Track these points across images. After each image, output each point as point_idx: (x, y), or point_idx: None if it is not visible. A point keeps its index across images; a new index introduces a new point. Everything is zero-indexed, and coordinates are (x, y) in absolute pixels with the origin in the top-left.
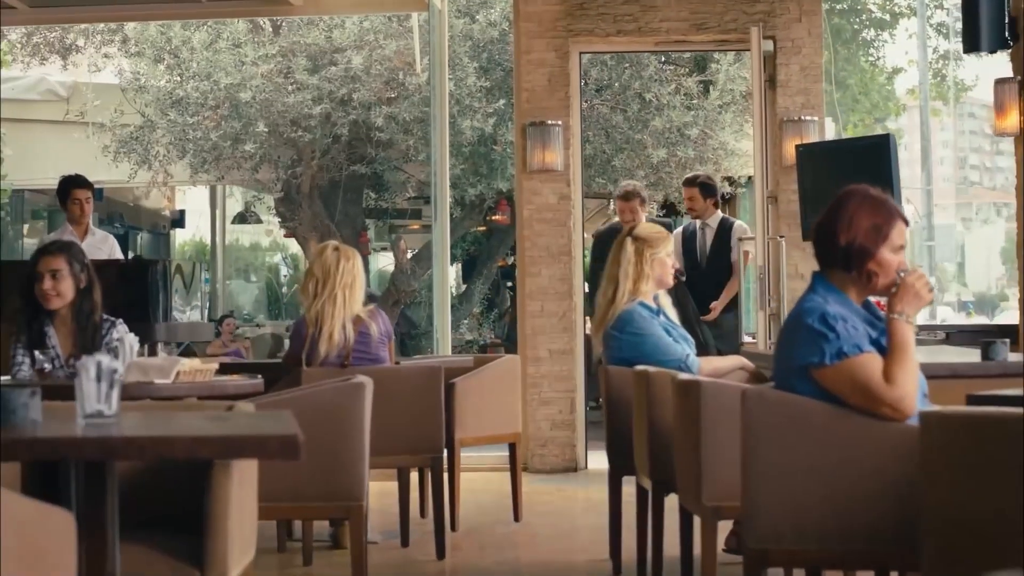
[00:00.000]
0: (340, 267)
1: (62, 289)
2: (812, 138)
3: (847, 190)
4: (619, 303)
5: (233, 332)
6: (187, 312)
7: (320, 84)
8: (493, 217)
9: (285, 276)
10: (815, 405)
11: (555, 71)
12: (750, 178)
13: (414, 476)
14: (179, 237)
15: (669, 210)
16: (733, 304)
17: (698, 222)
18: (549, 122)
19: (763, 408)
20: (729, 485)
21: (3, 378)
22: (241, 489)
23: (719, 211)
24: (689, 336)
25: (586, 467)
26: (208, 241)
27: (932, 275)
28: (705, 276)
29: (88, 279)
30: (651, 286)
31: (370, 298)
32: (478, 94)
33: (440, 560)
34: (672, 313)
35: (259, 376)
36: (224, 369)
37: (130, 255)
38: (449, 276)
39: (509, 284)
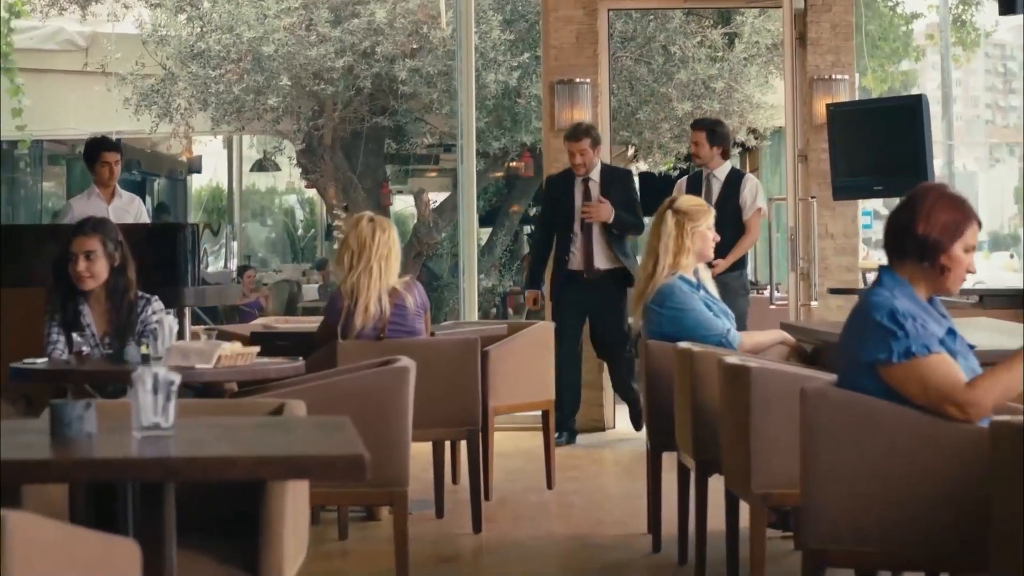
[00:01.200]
0: (376, 239)
1: (96, 270)
2: (843, 97)
3: (925, 186)
4: (659, 277)
5: (253, 283)
6: (214, 259)
7: (343, 36)
8: (512, 163)
9: (301, 220)
10: (877, 404)
11: (583, 28)
12: (777, 130)
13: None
14: (196, 182)
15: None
16: (740, 263)
17: (704, 171)
18: (577, 80)
19: (824, 407)
20: (779, 473)
21: (39, 361)
22: (296, 493)
23: (728, 162)
24: (729, 311)
25: (614, 426)
26: (225, 187)
27: None
28: None
29: (122, 257)
30: (691, 260)
31: None
32: (502, 47)
33: (477, 533)
34: (712, 287)
35: (300, 359)
36: (262, 345)
37: (148, 201)
38: (475, 232)
39: (528, 231)
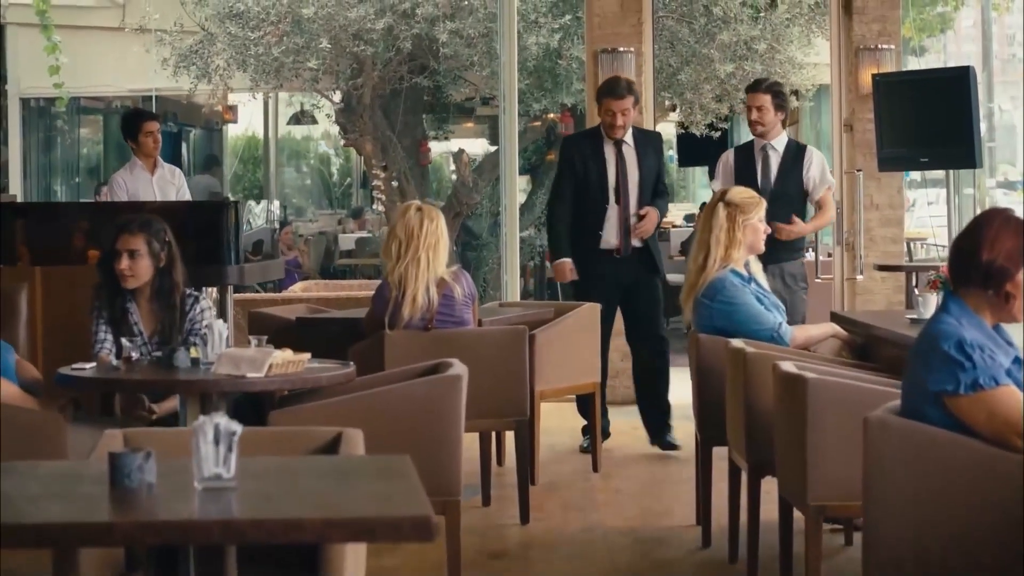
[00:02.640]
0: (424, 228)
1: (138, 270)
2: (888, 67)
3: (989, 211)
4: (710, 270)
5: (291, 239)
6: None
7: None
8: (551, 115)
9: (337, 168)
10: (939, 434)
11: None
12: (818, 90)
13: None
14: (231, 131)
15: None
16: (800, 250)
17: (758, 142)
18: (621, 49)
19: (886, 436)
20: (836, 484)
21: (87, 366)
22: None
23: (785, 132)
24: (780, 304)
25: None
26: (260, 135)
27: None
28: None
29: (169, 258)
30: (743, 252)
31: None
32: (543, 8)
33: (524, 524)
34: (763, 279)
35: (351, 364)
36: (309, 332)
37: (184, 150)
38: (516, 200)
39: None
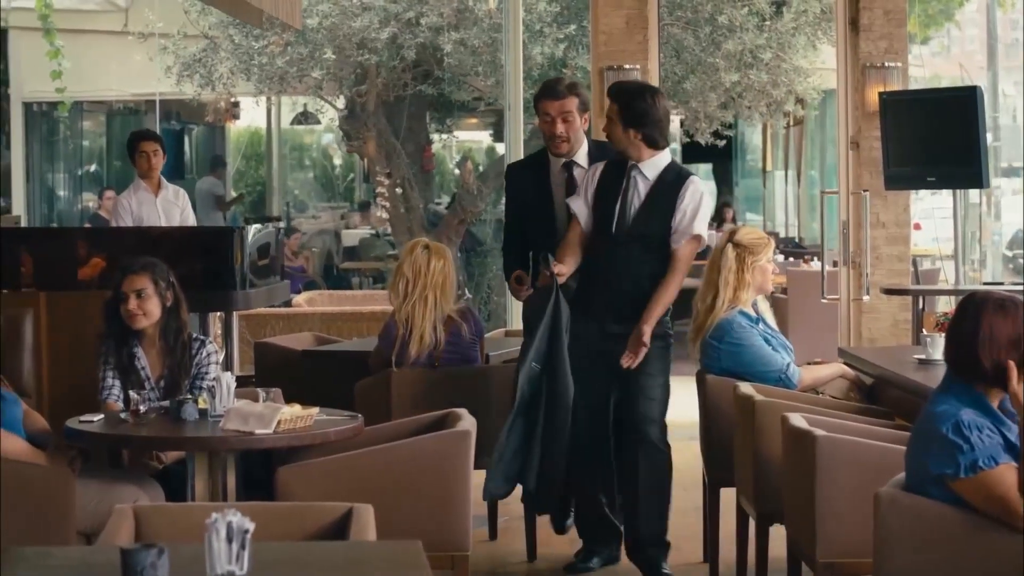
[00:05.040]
0: (431, 267)
1: (148, 308)
2: (895, 85)
3: (974, 303)
4: (718, 311)
5: (297, 248)
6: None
7: (387, 6)
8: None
9: (339, 164)
10: (949, 512)
11: (633, 13)
12: (825, 96)
13: None
14: (235, 127)
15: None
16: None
17: (630, 162)
18: (627, 66)
19: (896, 511)
20: (846, 541)
21: (95, 418)
22: None
23: (664, 154)
24: (789, 344)
25: None
26: (263, 130)
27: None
28: (616, 261)
29: (174, 298)
30: (751, 294)
31: (435, 216)
32: (548, 18)
33: (532, 561)
34: (771, 318)
35: (359, 416)
36: (315, 365)
37: (186, 145)
38: None
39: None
